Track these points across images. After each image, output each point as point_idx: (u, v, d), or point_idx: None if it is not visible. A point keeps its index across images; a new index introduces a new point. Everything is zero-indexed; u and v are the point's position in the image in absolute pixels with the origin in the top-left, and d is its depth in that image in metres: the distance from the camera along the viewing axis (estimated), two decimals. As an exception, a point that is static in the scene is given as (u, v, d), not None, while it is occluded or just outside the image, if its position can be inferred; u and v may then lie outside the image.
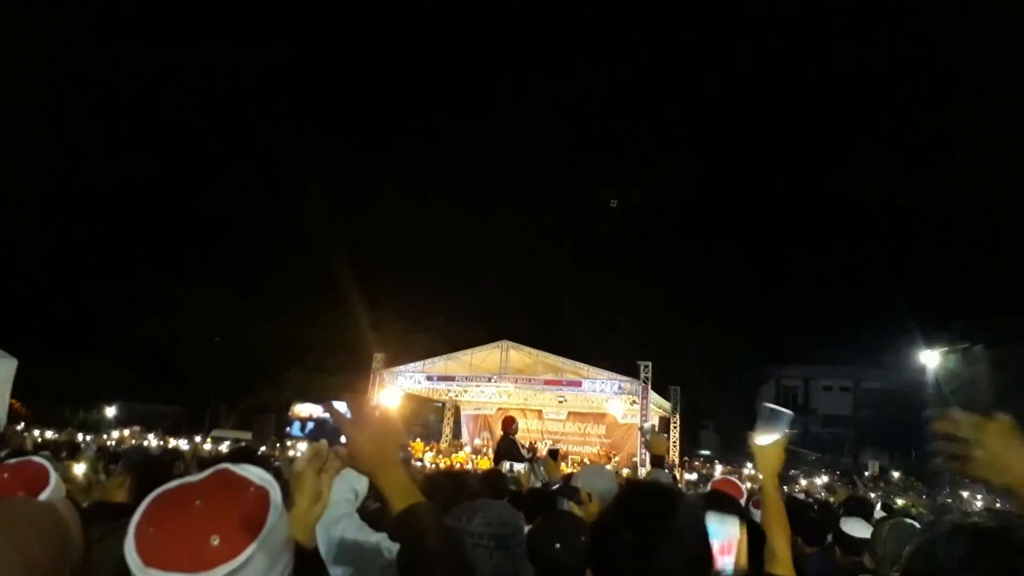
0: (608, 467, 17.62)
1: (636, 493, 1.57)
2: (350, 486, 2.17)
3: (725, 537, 1.75)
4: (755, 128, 67.02)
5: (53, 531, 1.27)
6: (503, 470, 7.59)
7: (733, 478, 4.94)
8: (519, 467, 7.35)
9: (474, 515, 1.76)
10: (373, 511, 2.68)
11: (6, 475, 1.81)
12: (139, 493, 3.13)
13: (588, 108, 71.87)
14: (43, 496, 1.73)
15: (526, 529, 2.28)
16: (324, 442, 2.06)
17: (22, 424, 25.39)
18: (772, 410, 2.19)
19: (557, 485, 5.04)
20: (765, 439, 2.19)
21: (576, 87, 72.75)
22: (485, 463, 19.31)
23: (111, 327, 37.97)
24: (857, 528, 3.99)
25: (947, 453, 1.37)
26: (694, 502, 1.68)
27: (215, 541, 1.03)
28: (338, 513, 2.15)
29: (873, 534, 3.70)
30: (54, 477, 1.86)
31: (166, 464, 3.64)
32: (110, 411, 35.05)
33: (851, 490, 12.73)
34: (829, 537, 4.34)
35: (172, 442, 22.64)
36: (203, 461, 7.61)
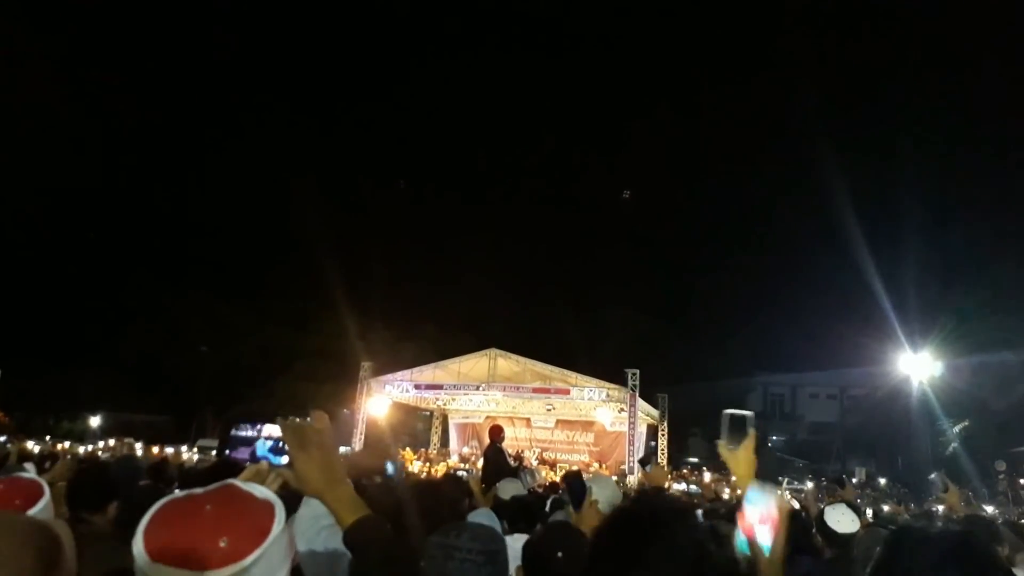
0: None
1: (632, 518, 1.59)
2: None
3: (764, 509, 1.79)
4: (743, 133, 67.52)
5: (44, 548, 1.26)
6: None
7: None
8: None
9: (462, 531, 1.80)
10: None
11: (0, 488, 1.80)
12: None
13: (575, 113, 72.22)
14: (34, 511, 1.72)
15: (522, 540, 2.30)
16: (264, 463, 2.11)
17: (4, 437, 25.13)
18: (733, 416, 2.21)
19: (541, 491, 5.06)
20: (733, 446, 2.19)
21: (563, 89, 73.09)
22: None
23: (97, 336, 37.68)
24: (843, 521, 3.81)
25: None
26: (692, 521, 1.71)
27: (223, 543, 1.08)
28: (320, 524, 2.16)
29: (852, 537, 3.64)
30: (47, 493, 1.85)
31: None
32: (94, 421, 34.75)
33: (839, 495, 12.75)
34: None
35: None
36: (187, 473, 7.54)
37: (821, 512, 4.09)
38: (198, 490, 1.18)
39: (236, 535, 1.09)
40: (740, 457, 2.17)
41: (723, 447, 2.20)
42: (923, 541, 1.41)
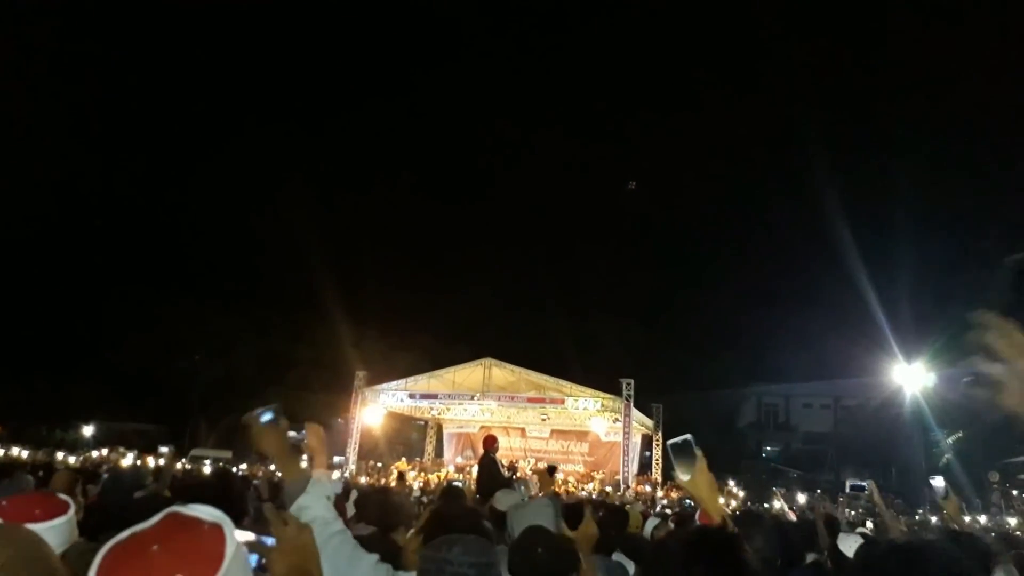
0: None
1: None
2: (322, 495, 2.26)
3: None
4: (738, 146, 67.74)
5: (35, 561, 1.27)
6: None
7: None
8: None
9: (453, 546, 1.81)
10: (367, 536, 2.70)
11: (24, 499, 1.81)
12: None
13: (573, 119, 72.36)
14: (54, 524, 1.72)
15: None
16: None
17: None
18: (675, 444, 2.24)
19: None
20: (687, 472, 2.22)
21: (558, 98, 73.32)
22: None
23: (90, 345, 37.50)
24: (854, 547, 3.94)
25: (985, 376, 1.31)
26: None
27: None
28: (330, 532, 2.18)
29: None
30: (72, 509, 1.85)
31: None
32: (87, 430, 34.53)
33: (832, 509, 12.78)
34: (809, 556, 4.33)
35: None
36: (183, 482, 7.54)
37: (835, 539, 4.24)
38: (141, 526, 1.12)
39: (190, 570, 1.05)
40: (698, 481, 2.19)
41: (680, 478, 2.24)
42: (891, 552, 1.46)
